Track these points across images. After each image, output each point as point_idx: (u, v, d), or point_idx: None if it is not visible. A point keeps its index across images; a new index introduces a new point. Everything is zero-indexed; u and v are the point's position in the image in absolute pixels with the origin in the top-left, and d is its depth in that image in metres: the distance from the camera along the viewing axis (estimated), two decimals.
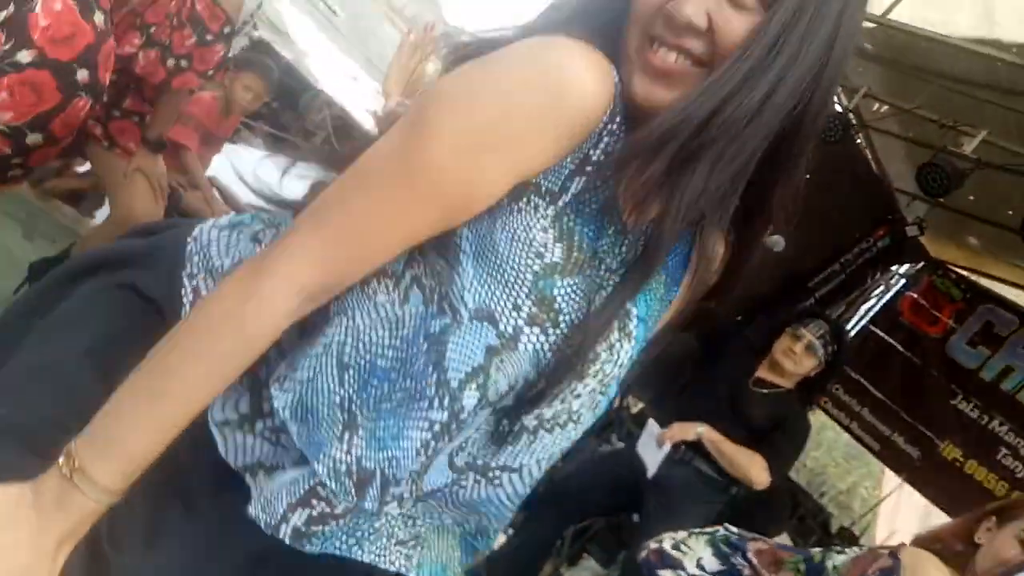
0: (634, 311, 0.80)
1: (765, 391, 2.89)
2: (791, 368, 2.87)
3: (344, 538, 0.78)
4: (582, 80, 0.67)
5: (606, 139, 0.71)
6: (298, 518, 0.74)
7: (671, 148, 0.66)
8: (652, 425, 2.92)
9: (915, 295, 4.89)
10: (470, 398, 0.71)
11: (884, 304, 5.11)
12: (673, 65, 0.68)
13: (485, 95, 0.68)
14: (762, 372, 2.95)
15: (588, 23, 0.72)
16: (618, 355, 0.79)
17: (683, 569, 1.68)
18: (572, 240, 0.73)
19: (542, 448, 0.81)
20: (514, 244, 0.71)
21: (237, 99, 3.72)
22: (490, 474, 0.81)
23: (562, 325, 0.73)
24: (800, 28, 0.67)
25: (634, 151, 0.68)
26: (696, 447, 2.77)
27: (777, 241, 2.30)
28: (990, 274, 4.72)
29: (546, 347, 0.73)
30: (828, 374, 2.95)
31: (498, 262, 0.72)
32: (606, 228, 0.75)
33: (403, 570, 0.82)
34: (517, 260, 0.72)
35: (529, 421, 0.78)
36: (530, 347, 0.73)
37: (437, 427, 0.72)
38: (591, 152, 0.71)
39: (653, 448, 2.80)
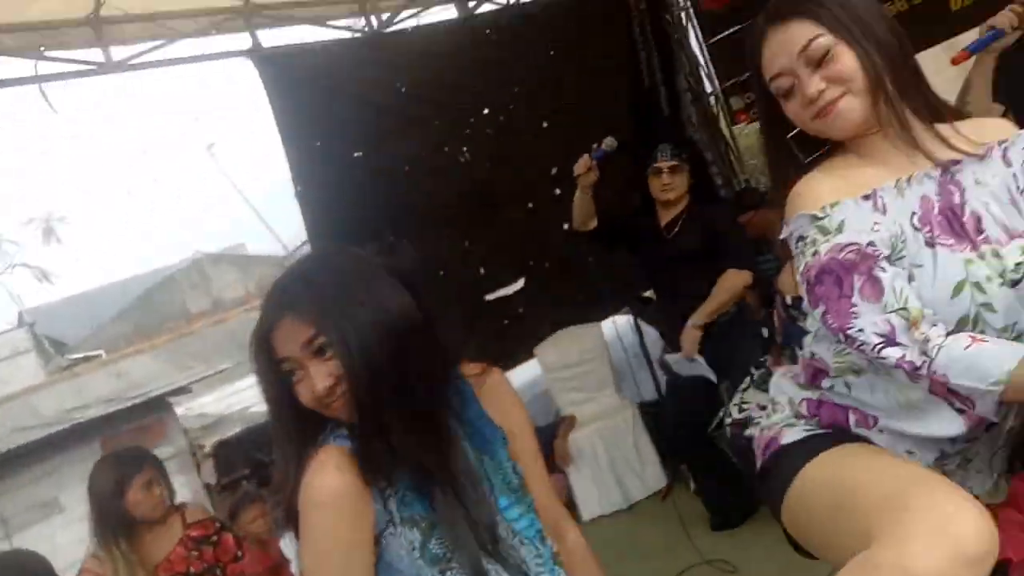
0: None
1: (677, 229, 3.19)
2: (677, 192, 3.18)
3: None
4: None
5: None
6: None
7: None
8: (672, 358, 3.32)
9: None
10: None
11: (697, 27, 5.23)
12: None
13: None
14: (663, 219, 3.26)
15: None
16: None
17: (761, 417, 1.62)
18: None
19: None
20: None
21: None
22: None
23: None
24: None
25: None
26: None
27: (611, 143, 2.99)
28: None
29: None
30: (701, 165, 3.14)
31: None
32: None
33: None
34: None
35: None
36: None
37: None
38: None
39: (689, 366, 3.20)
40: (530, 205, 4.42)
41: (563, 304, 4.31)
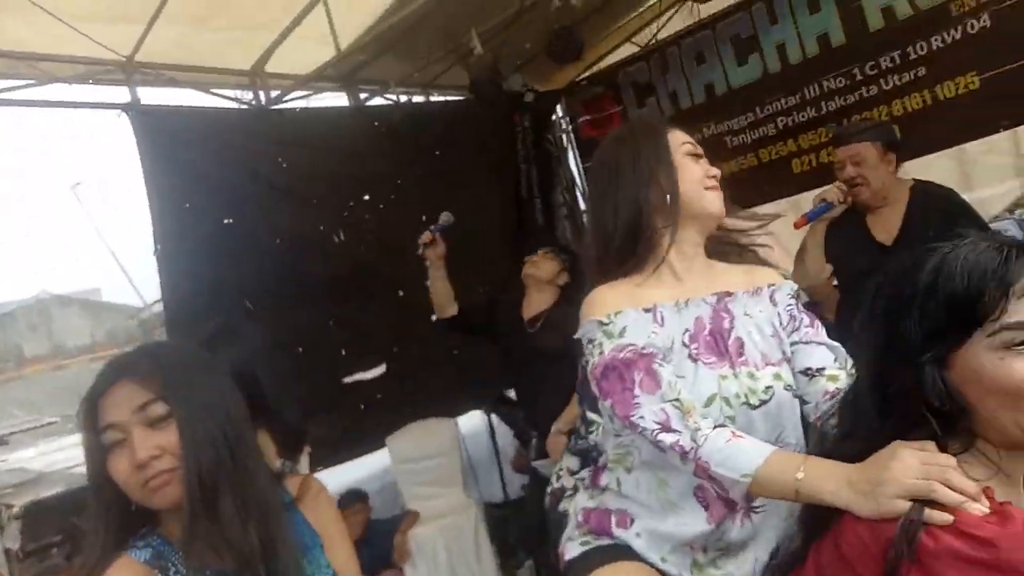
0: None
1: (540, 324, 3.19)
2: (544, 273, 3.25)
3: None
4: None
5: None
6: None
7: None
8: (540, 464, 3.23)
9: (587, 117, 5.49)
10: None
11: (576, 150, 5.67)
12: None
13: None
14: (527, 312, 3.26)
15: None
16: None
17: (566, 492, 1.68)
18: None
19: None
20: None
21: None
22: None
23: None
24: None
25: None
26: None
27: (447, 217, 3.16)
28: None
29: None
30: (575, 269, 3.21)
31: None
32: None
33: None
34: None
35: None
36: None
37: None
38: None
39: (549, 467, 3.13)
40: (401, 293, 4.45)
41: (423, 395, 4.29)
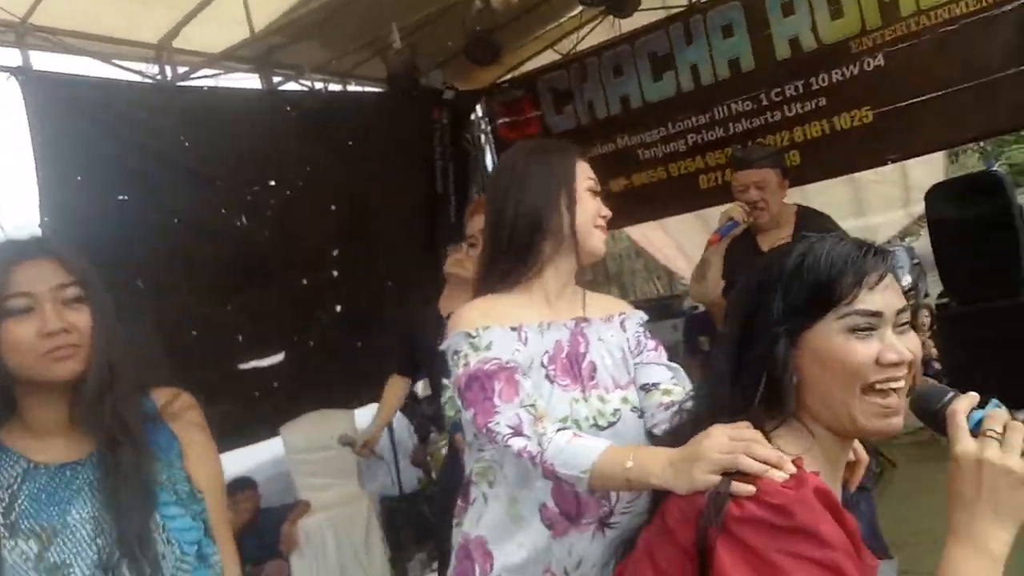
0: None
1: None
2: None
3: None
4: None
5: None
6: None
7: None
8: None
9: (506, 119, 5.58)
10: None
11: (494, 150, 5.71)
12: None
13: None
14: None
15: None
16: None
17: None
18: None
19: None
20: None
21: None
22: None
23: None
24: None
25: None
26: None
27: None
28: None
29: None
30: None
31: None
32: None
33: None
34: None
35: None
36: None
37: None
38: None
39: None
40: (304, 281, 4.40)
41: (321, 386, 4.25)
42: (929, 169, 5.55)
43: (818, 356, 0.92)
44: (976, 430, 0.83)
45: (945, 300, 4.65)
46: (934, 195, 4.58)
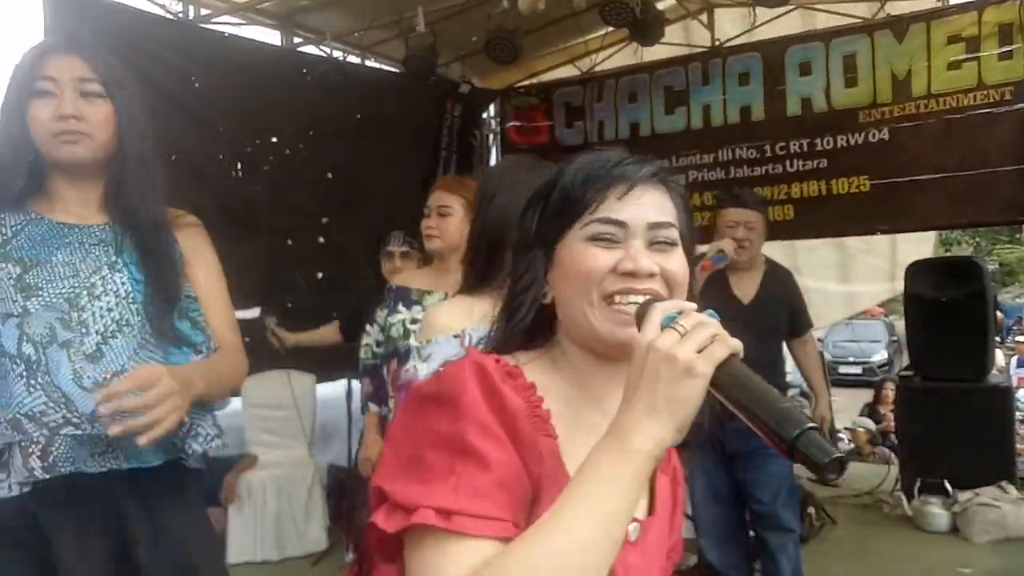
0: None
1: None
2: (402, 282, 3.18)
3: None
4: None
5: None
6: None
7: None
8: None
9: (516, 123, 5.66)
10: None
11: (500, 151, 5.80)
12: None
13: None
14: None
15: None
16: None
17: None
18: None
19: None
20: None
21: None
22: None
23: None
24: None
25: None
26: None
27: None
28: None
29: None
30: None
31: None
32: None
33: None
34: None
35: None
36: None
37: None
38: None
39: None
40: (289, 242, 4.42)
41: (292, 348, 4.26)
42: (918, 249, 5.64)
43: (563, 267, 0.86)
44: (668, 325, 0.73)
45: (910, 373, 4.74)
46: (915, 271, 4.69)
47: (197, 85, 3.84)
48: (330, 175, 4.56)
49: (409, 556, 0.72)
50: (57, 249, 1.41)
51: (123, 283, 1.41)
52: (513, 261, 0.92)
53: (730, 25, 5.05)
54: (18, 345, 1.33)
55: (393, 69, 4.96)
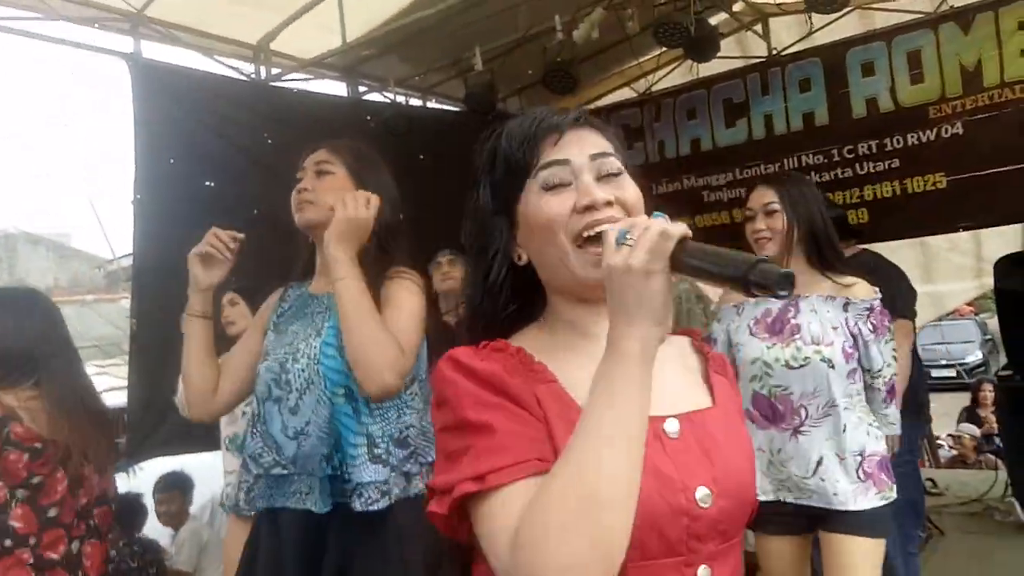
0: None
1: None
2: (457, 283, 3.33)
3: None
4: None
5: None
6: None
7: None
8: None
9: None
10: None
11: None
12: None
13: None
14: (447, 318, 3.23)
15: None
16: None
17: None
18: None
19: None
20: None
21: None
22: None
23: None
24: None
25: None
26: None
27: None
28: None
29: None
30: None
31: None
32: None
33: None
34: None
35: None
36: None
37: None
38: None
39: None
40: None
41: None
42: (1005, 243, 5.40)
43: (527, 223, 0.89)
44: (622, 242, 0.77)
45: (1009, 372, 4.51)
46: (1005, 265, 4.49)
47: (270, 141, 4.02)
48: (400, 216, 4.67)
49: (475, 530, 0.78)
50: (297, 319, 1.70)
51: (315, 347, 1.60)
52: (475, 236, 0.94)
53: (786, 33, 5.00)
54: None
55: (454, 108, 5.09)
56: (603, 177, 0.88)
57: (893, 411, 2.16)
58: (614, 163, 0.89)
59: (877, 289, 2.10)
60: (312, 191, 1.69)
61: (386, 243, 1.70)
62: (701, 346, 1.00)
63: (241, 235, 1.88)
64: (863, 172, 4.68)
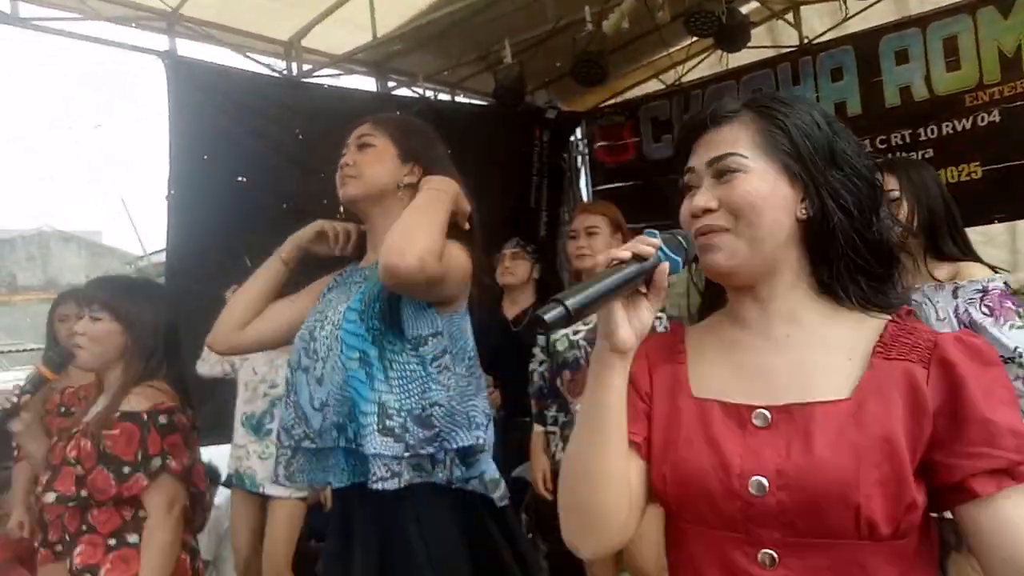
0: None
1: (526, 322, 3.26)
2: (517, 277, 3.34)
3: None
4: None
5: None
6: None
7: None
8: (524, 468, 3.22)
9: (604, 143, 5.66)
10: None
11: (589, 172, 5.83)
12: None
13: None
14: (509, 312, 3.33)
15: None
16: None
17: None
18: None
19: None
20: None
21: None
22: None
23: None
24: None
25: None
26: None
27: None
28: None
29: None
30: (543, 260, 3.52)
31: None
32: None
33: None
34: None
35: None
36: None
37: None
38: None
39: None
40: None
41: None
42: None
43: None
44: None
45: None
46: None
47: (301, 136, 4.07)
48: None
49: None
50: (337, 289, 1.66)
51: (340, 312, 1.53)
52: None
53: (818, 21, 4.93)
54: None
55: (481, 102, 5.10)
56: (717, 176, 0.92)
57: None
58: (731, 163, 0.91)
59: (996, 268, 1.99)
60: (354, 165, 1.62)
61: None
62: (899, 329, 0.89)
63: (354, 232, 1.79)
64: None
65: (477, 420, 1.55)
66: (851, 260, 0.90)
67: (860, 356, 0.87)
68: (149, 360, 1.91)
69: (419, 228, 1.42)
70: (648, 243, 0.85)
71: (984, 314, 1.88)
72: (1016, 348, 1.85)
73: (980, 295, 1.90)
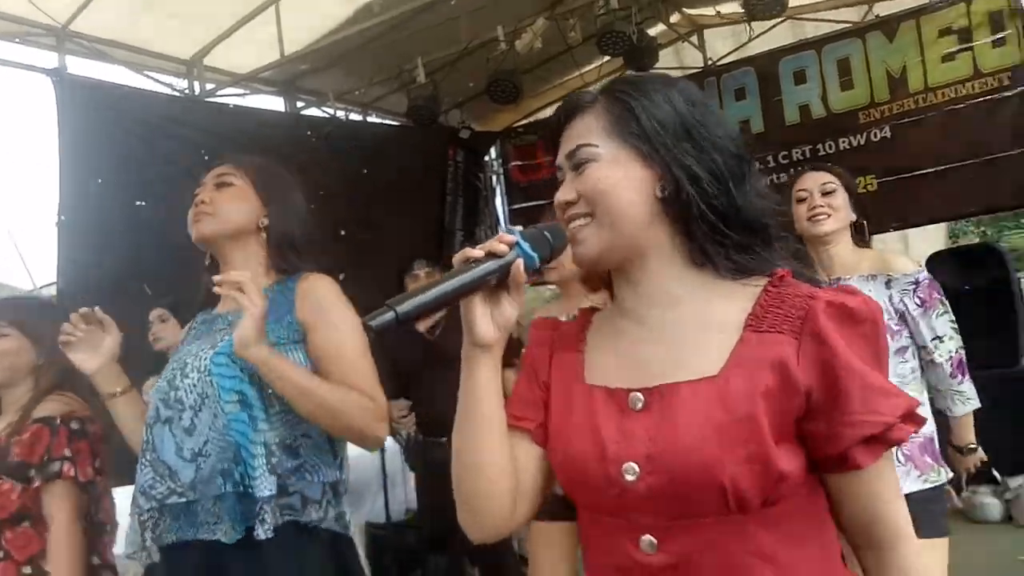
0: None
1: (439, 331, 3.24)
2: None
3: None
4: None
5: None
6: None
7: None
8: None
9: (518, 163, 5.68)
10: None
11: (505, 192, 5.82)
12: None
13: None
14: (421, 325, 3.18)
15: None
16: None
17: None
18: None
19: None
20: None
21: None
22: None
23: None
24: None
25: None
26: None
27: None
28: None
29: None
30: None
31: None
32: None
33: None
34: None
35: None
36: None
37: None
38: None
39: None
40: None
41: None
42: (930, 242, 5.65)
43: None
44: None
45: None
46: (934, 263, 4.67)
47: (206, 158, 3.87)
48: (343, 232, 4.59)
49: None
50: (197, 339, 1.56)
51: (206, 359, 1.44)
52: None
53: (721, 44, 5.12)
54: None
55: (394, 122, 5.04)
56: (573, 169, 0.93)
57: (967, 386, 2.16)
58: (583, 154, 0.91)
59: (921, 262, 2.09)
60: (210, 203, 1.54)
61: (289, 257, 1.59)
62: (771, 298, 0.87)
63: (85, 309, 1.62)
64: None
65: (342, 456, 1.55)
66: (711, 230, 0.88)
67: (732, 330, 0.86)
68: (61, 373, 1.84)
69: (342, 414, 1.42)
70: (504, 240, 0.86)
71: (916, 304, 2.02)
72: (942, 335, 2.04)
73: (913, 286, 2.03)
